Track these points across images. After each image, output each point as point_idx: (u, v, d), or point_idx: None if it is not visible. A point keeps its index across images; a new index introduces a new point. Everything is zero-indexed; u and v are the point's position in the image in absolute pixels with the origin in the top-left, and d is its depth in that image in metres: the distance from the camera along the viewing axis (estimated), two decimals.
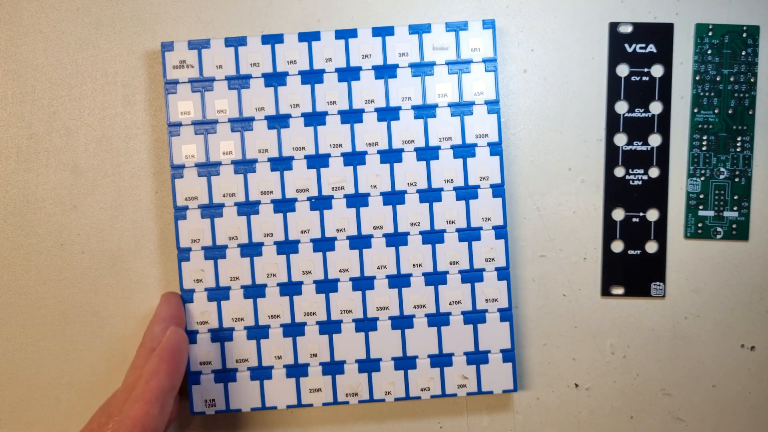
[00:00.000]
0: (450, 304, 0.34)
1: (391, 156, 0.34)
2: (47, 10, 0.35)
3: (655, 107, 0.35)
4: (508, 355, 0.34)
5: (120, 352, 0.36)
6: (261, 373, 0.34)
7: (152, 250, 0.35)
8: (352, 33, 0.34)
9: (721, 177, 0.35)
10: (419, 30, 0.34)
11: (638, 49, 0.35)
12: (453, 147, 0.34)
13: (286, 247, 0.34)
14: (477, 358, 0.34)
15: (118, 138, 0.35)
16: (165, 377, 0.30)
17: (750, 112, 0.35)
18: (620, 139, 0.35)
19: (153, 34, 0.35)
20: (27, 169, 0.35)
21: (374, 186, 0.34)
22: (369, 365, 0.34)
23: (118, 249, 0.35)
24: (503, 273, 0.34)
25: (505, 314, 0.34)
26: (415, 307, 0.34)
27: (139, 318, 0.35)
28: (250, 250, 0.34)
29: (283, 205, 0.34)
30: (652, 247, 0.36)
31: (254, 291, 0.34)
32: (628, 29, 0.35)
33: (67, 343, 0.36)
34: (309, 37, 0.34)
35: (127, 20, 0.35)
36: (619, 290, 0.36)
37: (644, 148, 0.35)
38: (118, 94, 0.35)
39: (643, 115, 0.35)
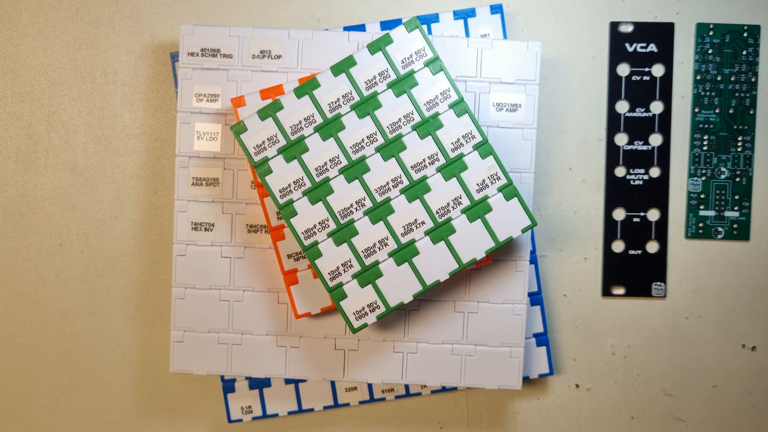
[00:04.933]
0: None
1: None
2: (46, 10, 0.35)
3: (656, 107, 0.35)
4: (542, 341, 0.33)
5: (119, 353, 0.36)
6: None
7: (151, 250, 0.35)
8: (360, 28, 0.34)
9: (722, 177, 0.35)
10: (427, 20, 0.34)
11: (639, 49, 0.35)
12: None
13: None
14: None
15: (118, 138, 0.35)
16: None
17: (751, 112, 0.35)
18: (621, 139, 0.35)
19: (152, 33, 0.35)
20: (26, 168, 0.35)
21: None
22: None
23: (118, 249, 0.35)
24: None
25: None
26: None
27: (138, 318, 0.35)
28: None
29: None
30: (652, 247, 0.35)
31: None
32: (629, 29, 0.35)
33: (67, 343, 0.36)
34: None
35: (127, 20, 0.35)
36: (620, 290, 0.36)
37: (645, 147, 0.35)
38: (118, 94, 0.35)
39: (644, 114, 0.35)
